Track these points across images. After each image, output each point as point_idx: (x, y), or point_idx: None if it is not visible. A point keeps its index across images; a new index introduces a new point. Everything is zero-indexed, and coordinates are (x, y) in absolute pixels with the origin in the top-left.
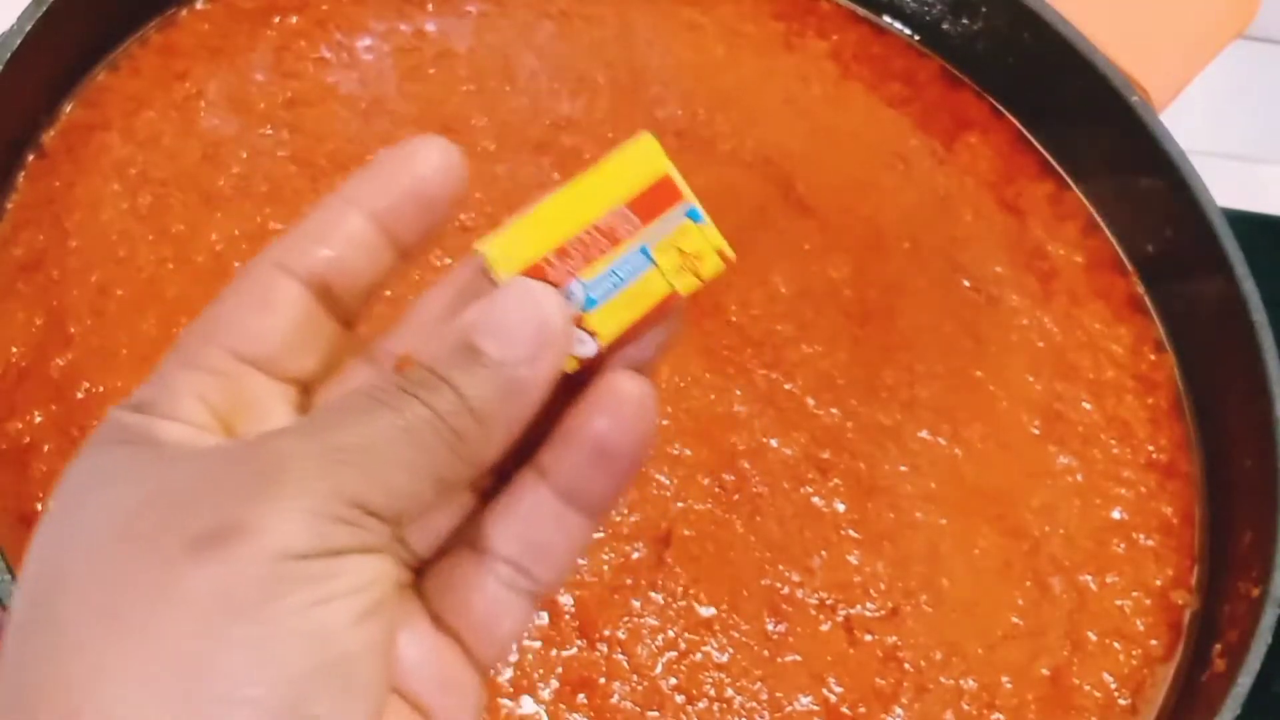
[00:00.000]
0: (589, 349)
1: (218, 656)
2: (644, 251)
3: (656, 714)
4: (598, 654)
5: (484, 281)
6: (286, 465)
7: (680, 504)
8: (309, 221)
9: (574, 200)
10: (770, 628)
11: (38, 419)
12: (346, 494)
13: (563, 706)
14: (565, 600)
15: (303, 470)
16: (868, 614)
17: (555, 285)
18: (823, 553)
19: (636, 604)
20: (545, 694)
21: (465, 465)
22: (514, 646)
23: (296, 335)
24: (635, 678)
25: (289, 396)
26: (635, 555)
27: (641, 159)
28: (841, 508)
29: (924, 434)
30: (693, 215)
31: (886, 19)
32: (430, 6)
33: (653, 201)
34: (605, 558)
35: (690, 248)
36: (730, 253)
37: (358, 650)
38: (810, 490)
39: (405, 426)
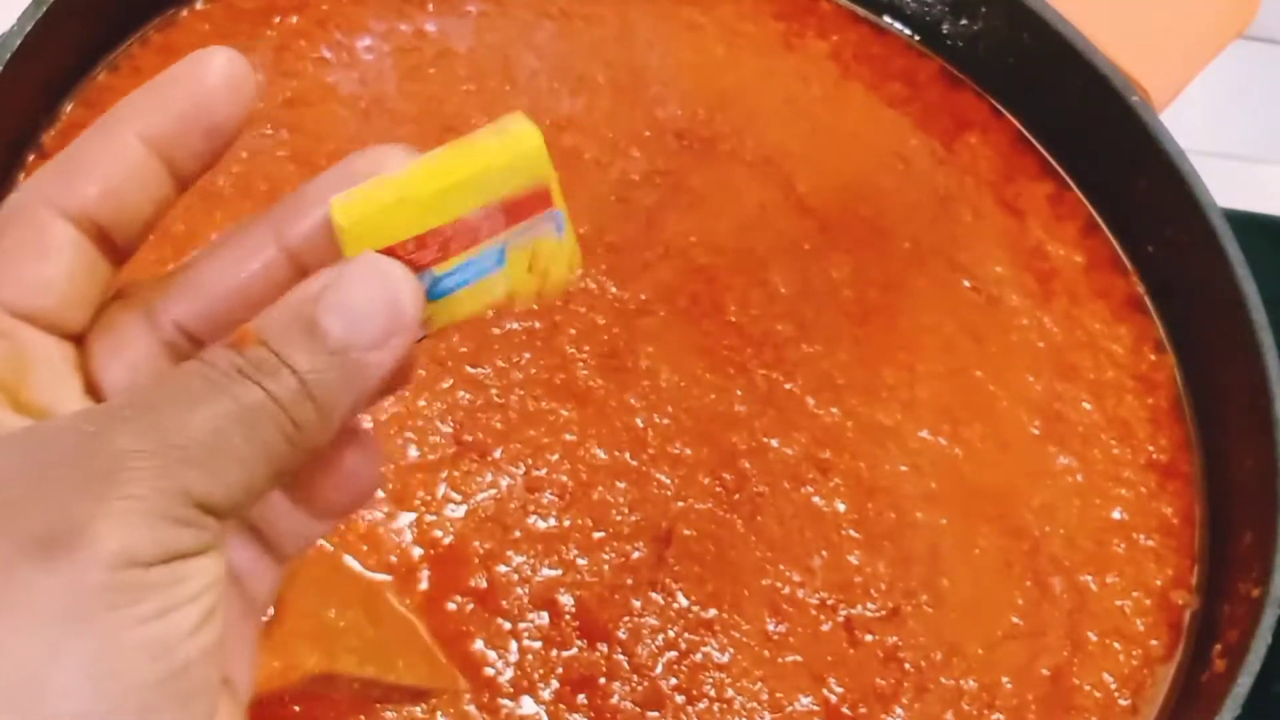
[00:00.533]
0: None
1: (57, 673)
2: (499, 251)
3: (656, 714)
4: (598, 654)
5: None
6: (126, 463)
7: (681, 503)
8: (79, 148)
9: (449, 192)
10: (771, 628)
11: None
12: (189, 494)
13: (563, 707)
14: (566, 600)
15: (143, 469)
16: (868, 614)
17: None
18: (823, 553)
19: (637, 604)
20: (545, 694)
21: (300, 456)
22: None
23: (75, 284)
24: (635, 678)
25: (69, 355)
26: (635, 555)
27: (528, 163)
28: (842, 507)
29: (924, 434)
30: (558, 223)
31: (886, 19)
32: (430, 6)
33: (525, 205)
34: (605, 558)
35: (544, 255)
36: (579, 267)
37: (197, 657)
38: (810, 490)
39: (244, 417)
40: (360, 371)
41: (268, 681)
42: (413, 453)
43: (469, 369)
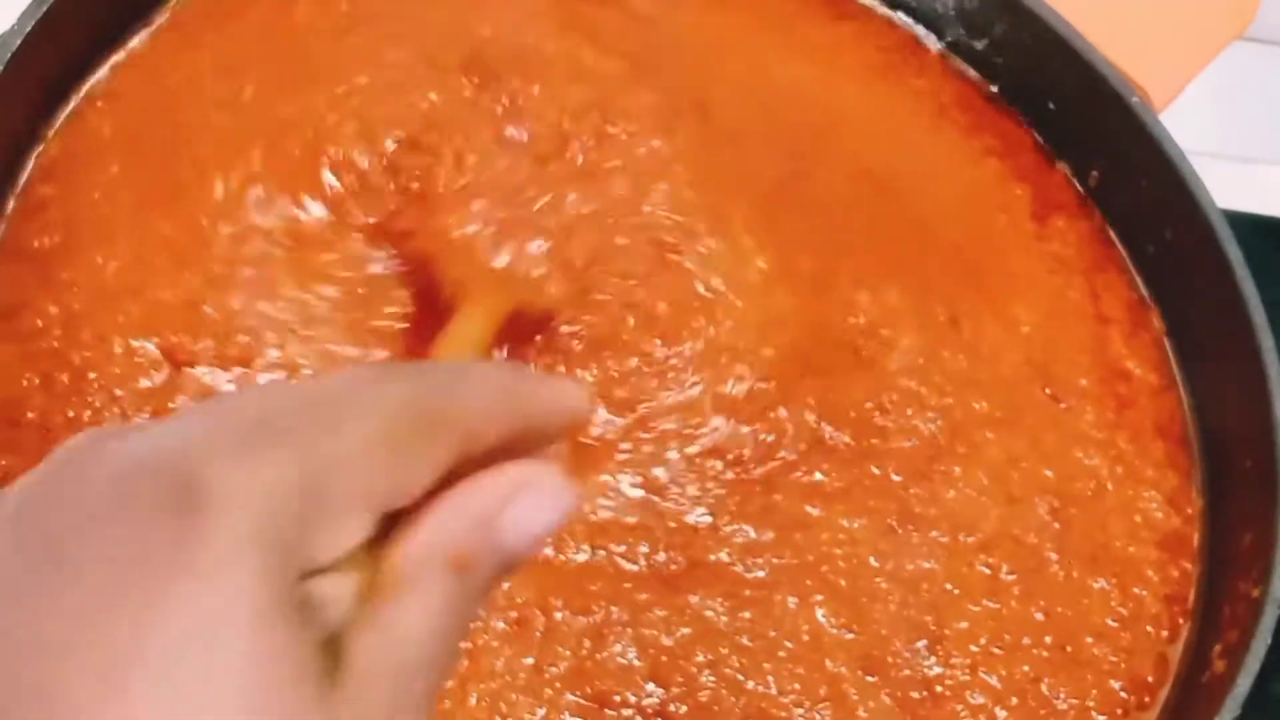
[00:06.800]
0: None
1: None
2: None
3: None
4: (599, 657)
5: None
6: None
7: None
8: None
9: None
10: (771, 634)
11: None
12: None
13: (563, 711)
14: (562, 610)
15: None
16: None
17: None
18: (842, 582)
19: (632, 611)
20: (545, 695)
21: None
22: None
23: None
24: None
25: None
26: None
27: None
28: (857, 525)
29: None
30: None
31: (900, 15)
32: None
33: None
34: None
35: None
36: None
37: None
38: (815, 482)
39: None
40: None
41: None
42: None
43: None
